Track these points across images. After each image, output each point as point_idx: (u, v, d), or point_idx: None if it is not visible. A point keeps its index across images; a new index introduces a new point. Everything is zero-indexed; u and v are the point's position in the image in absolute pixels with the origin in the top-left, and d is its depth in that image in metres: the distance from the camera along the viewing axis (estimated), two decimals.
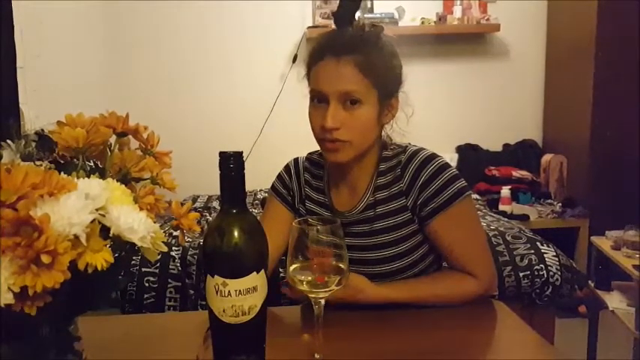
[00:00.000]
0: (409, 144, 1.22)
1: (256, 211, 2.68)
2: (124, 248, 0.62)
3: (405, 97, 1.18)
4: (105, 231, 0.59)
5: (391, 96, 1.15)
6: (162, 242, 0.66)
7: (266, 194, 3.17)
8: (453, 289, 1.13)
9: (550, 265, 2.04)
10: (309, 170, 1.28)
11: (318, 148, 1.30)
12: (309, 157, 1.31)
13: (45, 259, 0.51)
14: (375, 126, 1.14)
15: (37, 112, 2.14)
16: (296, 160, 1.32)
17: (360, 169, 1.19)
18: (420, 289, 1.12)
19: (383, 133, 1.21)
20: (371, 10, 3.39)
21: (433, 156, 1.16)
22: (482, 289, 1.14)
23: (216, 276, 0.71)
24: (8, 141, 0.68)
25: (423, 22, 3.47)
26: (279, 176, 1.31)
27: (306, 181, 1.27)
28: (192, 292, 2.02)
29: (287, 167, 1.31)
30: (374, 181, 1.19)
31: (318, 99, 1.12)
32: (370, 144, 1.15)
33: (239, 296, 0.71)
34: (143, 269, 2.02)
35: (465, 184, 1.15)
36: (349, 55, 1.08)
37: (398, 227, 1.16)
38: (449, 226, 1.13)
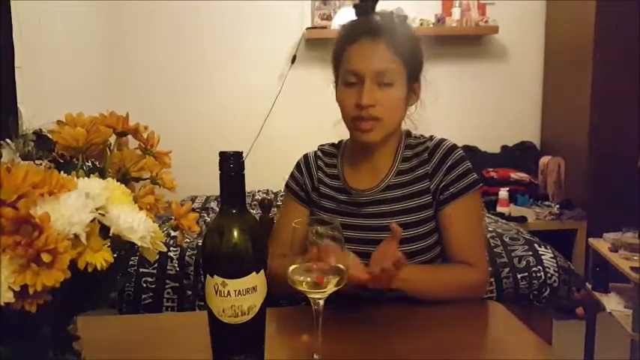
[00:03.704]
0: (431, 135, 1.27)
1: (254, 211, 2.68)
2: (123, 248, 0.62)
3: (426, 83, 1.24)
4: (104, 230, 0.59)
5: (416, 79, 1.22)
6: (161, 242, 0.66)
7: (264, 195, 3.17)
8: (458, 279, 1.15)
9: (548, 267, 2.04)
10: (321, 159, 1.32)
11: (319, 143, 1.33)
12: (321, 149, 1.34)
13: (45, 257, 0.51)
14: (404, 106, 1.20)
15: (34, 111, 2.14)
16: (305, 155, 1.34)
17: (382, 151, 1.23)
18: (427, 275, 1.14)
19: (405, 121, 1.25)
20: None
21: (457, 145, 1.24)
22: (481, 279, 1.19)
23: (215, 276, 0.71)
24: (7, 140, 0.68)
25: (421, 24, 3.46)
26: (292, 175, 1.34)
27: (319, 168, 1.30)
28: (189, 292, 2.02)
29: (297, 165, 1.34)
30: (397, 165, 1.23)
31: (352, 81, 1.16)
32: (398, 124, 1.21)
33: (238, 296, 0.71)
34: (141, 269, 2.02)
35: (478, 177, 1.21)
36: (383, 36, 1.15)
37: (416, 210, 1.19)
38: (462, 213, 1.18)
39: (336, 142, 1.34)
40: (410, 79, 1.19)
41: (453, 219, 1.18)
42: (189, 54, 3.54)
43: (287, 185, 1.33)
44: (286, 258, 0.88)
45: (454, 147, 1.23)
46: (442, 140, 1.24)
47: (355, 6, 1.23)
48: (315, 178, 1.30)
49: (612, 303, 2.31)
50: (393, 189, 1.21)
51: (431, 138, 1.25)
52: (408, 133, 1.27)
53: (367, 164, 1.25)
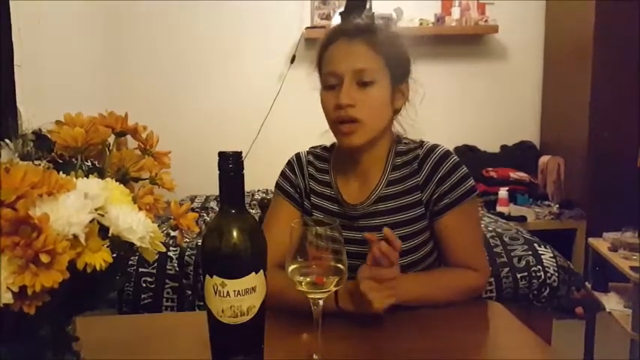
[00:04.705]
0: (421, 139, 1.23)
1: (254, 211, 2.68)
2: (122, 248, 0.62)
3: (414, 85, 1.20)
4: (104, 231, 0.59)
5: (402, 80, 1.17)
6: (160, 242, 0.65)
7: (264, 195, 3.16)
8: (461, 282, 1.14)
9: (547, 267, 2.04)
10: (312, 164, 1.27)
11: (318, 144, 1.30)
12: (312, 152, 1.30)
13: (44, 258, 0.51)
14: (387, 108, 1.15)
15: (34, 111, 2.13)
16: (298, 155, 1.30)
17: (370, 159, 1.19)
18: (430, 283, 1.12)
19: (394, 124, 1.22)
20: (369, 11, 3.40)
21: (450, 152, 1.18)
22: (483, 282, 1.18)
23: (214, 276, 0.71)
24: (7, 140, 0.67)
25: (421, 23, 3.47)
26: (284, 174, 1.28)
27: (311, 175, 1.26)
28: (189, 292, 2.02)
29: (290, 164, 1.29)
30: (387, 174, 1.19)
31: (332, 83, 1.13)
32: (383, 127, 1.16)
33: (238, 297, 0.71)
34: (140, 269, 2.02)
35: (474, 183, 1.17)
36: (361, 35, 1.12)
37: (410, 222, 1.16)
38: (459, 223, 1.15)
39: (329, 145, 1.29)
40: (394, 79, 1.14)
41: (450, 229, 1.15)
42: (189, 54, 3.55)
43: (278, 185, 1.27)
44: (281, 272, 0.86)
45: (445, 155, 1.16)
46: (433, 148, 1.18)
47: (341, 13, 1.24)
48: (308, 185, 1.25)
49: (612, 302, 2.32)
50: (384, 201, 1.17)
51: (421, 144, 1.20)
52: (399, 139, 1.22)
53: (356, 173, 1.21)
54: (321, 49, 1.18)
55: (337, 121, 1.13)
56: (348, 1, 1.25)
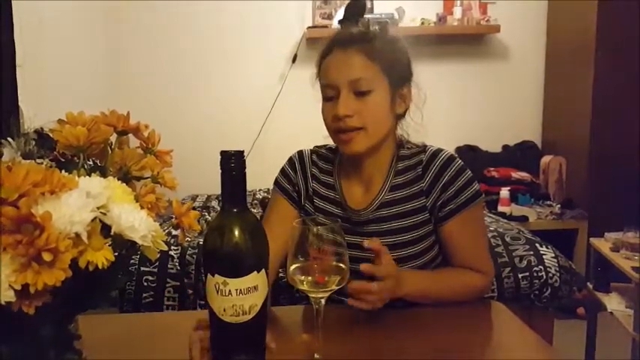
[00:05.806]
0: (424, 143, 1.22)
1: (255, 210, 2.68)
2: (124, 247, 0.62)
3: (417, 89, 1.19)
4: (106, 229, 0.59)
5: (402, 85, 1.15)
6: (162, 241, 0.65)
7: (265, 194, 3.16)
8: (465, 282, 1.14)
9: (549, 267, 2.04)
10: (316, 164, 1.25)
11: (315, 146, 1.30)
12: (317, 151, 1.28)
13: (46, 256, 0.51)
14: (388, 115, 1.14)
15: (35, 110, 2.13)
16: (300, 153, 1.28)
17: (374, 164, 1.18)
18: (436, 280, 1.12)
19: (398, 129, 1.21)
20: (371, 11, 3.38)
21: (454, 157, 1.17)
22: (488, 283, 1.18)
23: (216, 275, 0.71)
24: (9, 139, 0.67)
25: (422, 23, 3.47)
26: (283, 171, 1.27)
27: (314, 176, 1.24)
28: (190, 291, 2.02)
29: (291, 161, 1.27)
30: (390, 179, 1.18)
31: (330, 95, 1.12)
32: (385, 134, 1.14)
33: (239, 295, 0.71)
34: (142, 268, 2.02)
35: (479, 187, 1.16)
36: (356, 44, 1.11)
37: (414, 228, 1.15)
38: (464, 228, 1.14)
39: (334, 146, 1.25)
40: (393, 85, 1.13)
41: (455, 234, 1.14)
42: (190, 53, 3.55)
43: (277, 182, 1.26)
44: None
45: (450, 160, 1.15)
46: (437, 152, 1.17)
47: (339, 21, 1.22)
48: (310, 186, 1.24)
49: (613, 303, 2.31)
50: (387, 206, 1.16)
51: (424, 149, 1.19)
52: (401, 144, 1.21)
53: (360, 178, 1.20)
54: (319, 61, 1.17)
55: (337, 132, 1.12)
56: (346, 8, 1.23)
